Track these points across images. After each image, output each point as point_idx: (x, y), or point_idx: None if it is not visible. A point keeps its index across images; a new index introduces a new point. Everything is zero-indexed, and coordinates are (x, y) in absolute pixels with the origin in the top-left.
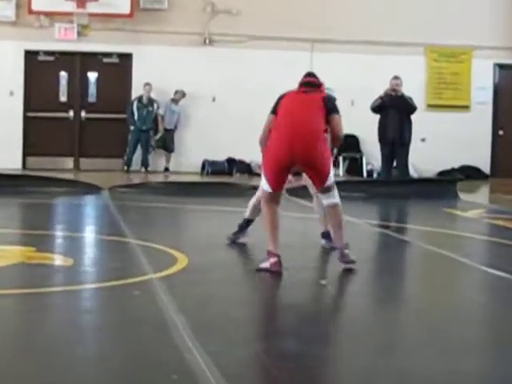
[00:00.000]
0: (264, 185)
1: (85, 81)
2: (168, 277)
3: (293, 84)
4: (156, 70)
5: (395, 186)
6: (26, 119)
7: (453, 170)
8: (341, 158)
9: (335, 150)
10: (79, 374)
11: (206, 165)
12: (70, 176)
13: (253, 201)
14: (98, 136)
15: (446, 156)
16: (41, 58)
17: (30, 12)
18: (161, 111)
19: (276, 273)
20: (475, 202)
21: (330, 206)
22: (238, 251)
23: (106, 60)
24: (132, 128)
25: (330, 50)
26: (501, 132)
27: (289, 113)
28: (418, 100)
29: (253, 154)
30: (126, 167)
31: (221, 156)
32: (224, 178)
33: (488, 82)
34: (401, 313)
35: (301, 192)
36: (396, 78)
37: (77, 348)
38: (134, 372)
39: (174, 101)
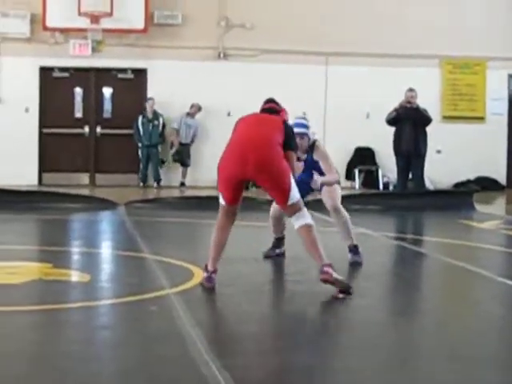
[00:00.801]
0: (220, 198)
1: (100, 96)
2: (185, 291)
3: (308, 97)
4: (171, 84)
5: (411, 199)
6: (41, 135)
7: (469, 181)
8: (356, 171)
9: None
10: None
11: None
12: (85, 192)
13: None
14: (113, 151)
15: (462, 167)
16: (56, 74)
17: (45, 28)
18: (175, 125)
19: (208, 289)
20: (492, 214)
21: (301, 227)
22: (255, 265)
23: (120, 75)
24: (140, 144)
25: (345, 63)
26: None
27: (242, 131)
28: (434, 112)
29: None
30: (142, 183)
31: None
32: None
33: (503, 92)
34: (418, 326)
35: (318, 206)
36: (411, 90)
37: (94, 364)
38: None
39: (190, 115)
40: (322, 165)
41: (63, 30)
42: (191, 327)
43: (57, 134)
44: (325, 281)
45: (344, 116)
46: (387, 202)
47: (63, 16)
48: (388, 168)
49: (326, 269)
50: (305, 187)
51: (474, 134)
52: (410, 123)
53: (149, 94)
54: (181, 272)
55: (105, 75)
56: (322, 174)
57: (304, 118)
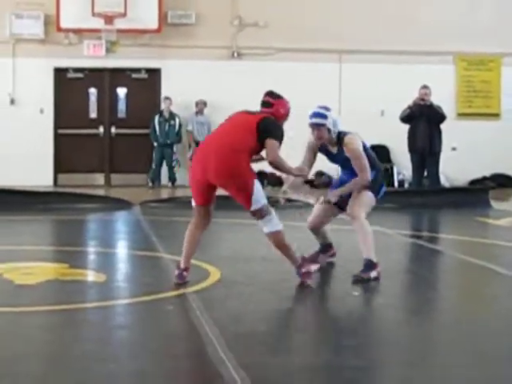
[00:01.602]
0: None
1: (114, 97)
2: (201, 291)
3: (322, 96)
4: (185, 84)
5: (427, 196)
6: (56, 136)
7: (484, 178)
8: None
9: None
10: None
11: None
12: (101, 192)
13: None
14: (128, 151)
15: (478, 164)
16: (70, 75)
17: (59, 29)
18: (189, 127)
19: (177, 284)
20: (507, 210)
21: (269, 234)
22: (270, 264)
23: (134, 75)
24: (155, 144)
25: (359, 60)
26: None
27: (213, 134)
28: (448, 109)
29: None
30: (151, 183)
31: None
32: None
33: None
34: (435, 323)
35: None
36: (425, 87)
37: (110, 364)
38: None
39: (199, 112)
40: (353, 164)
41: (77, 31)
42: (208, 326)
43: (72, 134)
44: (304, 282)
45: (358, 114)
46: (402, 200)
47: (77, 17)
48: (403, 165)
49: (302, 270)
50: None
51: (489, 131)
52: (424, 120)
53: (163, 94)
54: (197, 271)
55: (119, 75)
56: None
57: (325, 108)
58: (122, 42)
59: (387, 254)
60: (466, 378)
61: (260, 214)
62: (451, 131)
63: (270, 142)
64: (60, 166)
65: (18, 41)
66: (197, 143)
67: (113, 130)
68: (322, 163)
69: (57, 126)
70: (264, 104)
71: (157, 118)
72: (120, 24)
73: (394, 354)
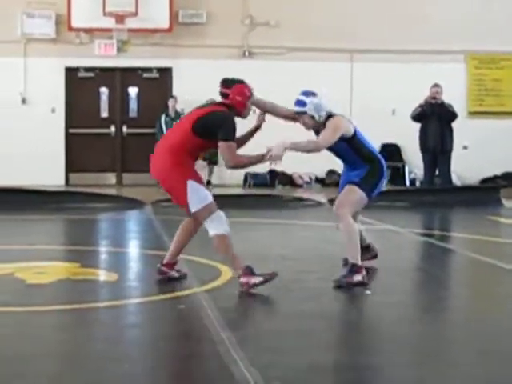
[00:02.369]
0: None
1: (125, 96)
2: (213, 290)
3: (333, 95)
4: (196, 83)
5: (438, 195)
6: (67, 136)
7: (496, 177)
8: None
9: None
10: None
11: (248, 177)
12: (112, 191)
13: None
14: (139, 151)
15: (489, 163)
16: (81, 74)
17: (70, 29)
18: None
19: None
20: None
21: (213, 236)
22: (282, 263)
23: (145, 75)
24: None
25: (370, 59)
26: None
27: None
28: (459, 107)
29: (295, 165)
30: None
31: (263, 168)
32: (266, 191)
33: None
34: (447, 321)
35: None
36: (436, 85)
37: (123, 363)
38: None
39: None
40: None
41: (88, 30)
42: (220, 325)
43: (83, 134)
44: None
45: (370, 113)
46: (414, 199)
47: (88, 16)
48: (414, 164)
49: (242, 280)
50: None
51: (500, 129)
52: (435, 119)
53: (174, 93)
54: (208, 270)
55: (130, 75)
56: (356, 166)
57: (306, 94)
58: (133, 41)
59: (399, 252)
60: (477, 376)
61: (201, 216)
62: (462, 130)
63: (222, 146)
64: (72, 166)
65: (30, 40)
66: None
67: (124, 129)
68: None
69: (68, 126)
70: (221, 95)
71: (163, 117)
72: (131, 23)
73: (406, 353)
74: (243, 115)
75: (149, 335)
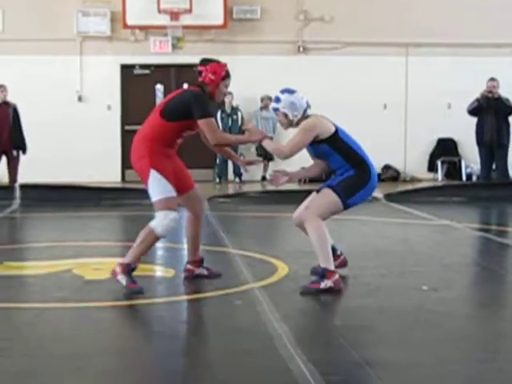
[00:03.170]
0: None
1: None
2: (269, 285)
3: (389, 89)
4: (250, 79)
5: (495, 189)
6: (123, 132)
7: None
8: (439, 163)
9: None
10: None
11: None
12: None
13: None
14: (194, 147)
15: None
16: (136, 71)
17: (125, 26)
18: (254, 122)
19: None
20: None
21: (148, 225)
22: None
23: None
24: None
25: (425, 53)
26: None
27: None
28: None
29: None
30: (217, 178)
31: None
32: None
33: None
34: (506, 317)
35: (398, 197)
36: (492, 79)
37: (179, 359)
38: (238, 382)
39: (264, 107)
40: None
41: (143, 28)
42: (276, 321)
43: None
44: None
45: (425, 107)
46: (471, 193)
47: (143, 14)
48: (471, 159)
49: (117, 268)
50: None
51: None
52: (491, 113)
53: (229, 89)
54: (264, 266)
55: (185, 71)
56: (343, 171)
57: (283, 91)
58: (188, 38)
59: (456, 247)
60: None
61: (156, 208)
62: None
63: (201, 124)
64: (128, 162)
65: (85, 38)
66: None
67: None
68: None
69: (124, 123)
70: (198, 74)
71: (219, 113)
72: (186, 20)
73: (465, 349)
74: (216, 97)
75: (206, 330)
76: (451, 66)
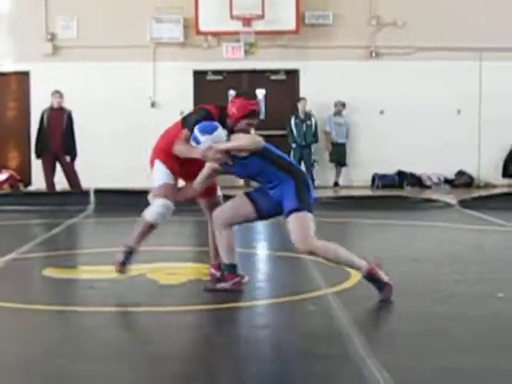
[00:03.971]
0: None
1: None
2: (342, 291)
3: (462, 95)
4: (323, 85)
5: None
6: None
7: None
8: None
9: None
10: None
11: (375, 178)
12: (240, 193)
13: None
14: None
15: None
16: (209, 77)
17: (198, 33)
18: (327, 128)
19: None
20: None
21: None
22: (412, 264)
23: (273, 77)
24: (294, 145)
25: (500, 58)
26: None
27: None
28: None
29: (423, 166)
30: None
31: (391, 169)
32: (394, 191)
33: None
34: None
35: (472, 203)
36: None
37: (252, 363)
38: None
39: (337, 113)
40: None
41: (216, 34)
42: (349, 326)
43: None
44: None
45: (499, 112)
46: None
47: (215, 20)
48: None
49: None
50: (270, 207)
51: None
52: None
53: (301, 95)
54: (337, 272)
55: (257, 77)
56: (278, 182)
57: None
58: (260, 43)
59: None
60: None
61: (153, 193)
62: None
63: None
64: None
65: (158, 45)
66: (335, 144)
67: (252, 131)
68: None
69: None
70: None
71: (293, 119)
72: (258, 26)
73: None
74: (233, 129)
75: (279, 335)
76: None
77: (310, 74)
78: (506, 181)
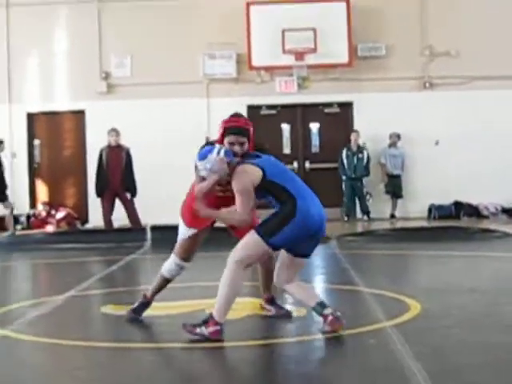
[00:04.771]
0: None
1: (307, 132)
2: (402, 324)
3: None
4: (377, 116)
5: None
6: None
7: None
8: None
9: None
10: None
11: (432, 209)
12: None
13: None
14: (322, 185)
15: None
16: (263, 111)
17: (251, 68)
18: (382, 160)
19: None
20: None
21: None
22: (470, 295)
23: (326, 110)
24: (344, 177)
25: None
26: None
27: None
28: None
29: (480, 196)
30: (346, 217)
31: (447, 200)
32: (451, 222)
33: None
34: None
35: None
36: None
37: None
38: None
39: (392, 145)
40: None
41: (268, 68)
42: (410, 360)
43: None
44: None
45: None
46: None
47: (268, 54)
48: None
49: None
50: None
51: None
52: None
53: (355, 127)
54: (396, 304)
55: (311, 110)
56: (274, 205)
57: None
58: (313, 77)
59: None
60: None
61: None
62: None
63: None
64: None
65: (212, 81)
66: (390, 176)
67: (307, 164)
68: None
69: None
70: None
71: (344, 151)
72: (310, 59)
73: None
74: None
75: (340, 370)
76: None
77: (364, 106)
78: None
